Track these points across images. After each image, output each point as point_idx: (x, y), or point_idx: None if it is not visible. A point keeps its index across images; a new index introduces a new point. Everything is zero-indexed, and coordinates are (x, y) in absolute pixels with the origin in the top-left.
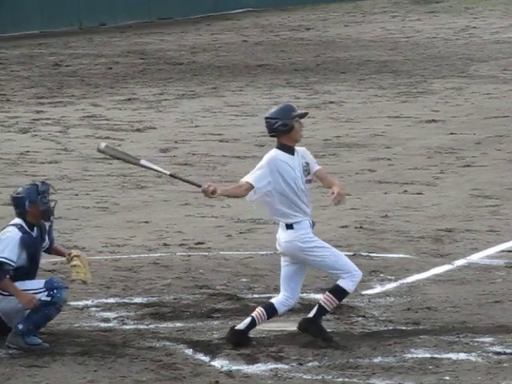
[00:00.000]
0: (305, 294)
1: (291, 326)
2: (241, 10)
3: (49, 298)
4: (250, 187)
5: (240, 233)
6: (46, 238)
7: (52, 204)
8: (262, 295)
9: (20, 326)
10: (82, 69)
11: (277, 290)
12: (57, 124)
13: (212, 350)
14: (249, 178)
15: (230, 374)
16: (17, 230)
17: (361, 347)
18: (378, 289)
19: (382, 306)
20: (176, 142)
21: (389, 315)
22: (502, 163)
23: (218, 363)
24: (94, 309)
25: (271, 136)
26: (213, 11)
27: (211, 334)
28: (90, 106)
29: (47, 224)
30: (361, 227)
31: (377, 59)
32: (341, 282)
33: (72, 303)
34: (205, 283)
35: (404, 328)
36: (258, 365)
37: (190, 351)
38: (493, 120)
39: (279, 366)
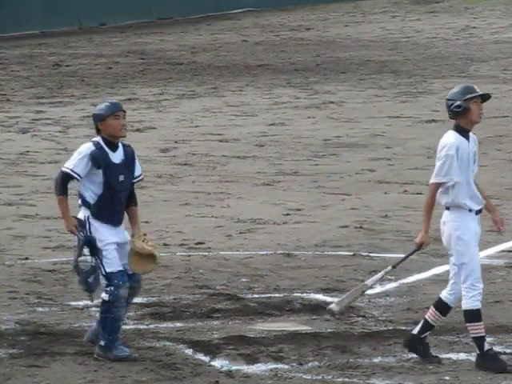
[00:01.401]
0: (305, 294)
1: (291, 326)
2: (241, 10)
3: (106, 296)
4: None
5: (240, 233)
6: (135, 167)
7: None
8: (262, 295)
9: (102, 343)
10: (82, 69)
11: (277, 290)
12: (57, 124)
13: (212, 350)
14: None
15: (230, 373)
16: (90, 144)
17: (361, 347)
18: (378, 289)
19: (382, 306)
20: (176, 142)
21: (389, 315)
22: (502, 163)
23: (218, 363)
24: (94, 309)
25: (451, 118)
26: (213, 11)
27: (211, 334)
28: (90, 106)
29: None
30: (361, 227)
31: (377, 59)
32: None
33: (72, 303)
34: (205, 283)
35: (404, 328)
36: (258, 365)
37: (189, 351)
38: (493, 120)
39: (279, 365)
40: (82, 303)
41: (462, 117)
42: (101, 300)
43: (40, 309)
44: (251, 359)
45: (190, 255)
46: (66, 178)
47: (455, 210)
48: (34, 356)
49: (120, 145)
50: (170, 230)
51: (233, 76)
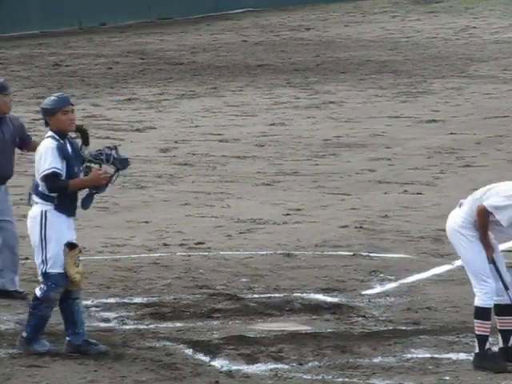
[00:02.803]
0: (305, 294)
1: (291, 326)
2: (241, 10)
3: (39, 294)
4: None
5: (240, 233)
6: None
7: None
8: (262, 295)
9: (24, 334)
10: (82, 69)
11: (277, 290)
12: None
13: (212, 349)
14: None
15: (230, 373)
16: (49, 139)
17: (361, 347)
18: (378, 289)
19: (382, 305)
20: (176, 142)
21: (389, 315)
22: (502, 163)
23: (218, 363)
24: (93, 309)
25: None
26: (213, 11)
27: (211, 334)
28: (90, 106)
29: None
30: (361, 227)
31: (377, 59)
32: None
33: None
34: (205, 283)
35: (404, 328)
36: (258, 365)
37: (189, 351)
38: (493, 120)
39: (279, 365)
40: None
41: None
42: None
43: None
44: (251, 359)
45: (189, 255)
46: (55, 178)
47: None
48: (33, 356)
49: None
50: (170, 230)
51: (233, 76)
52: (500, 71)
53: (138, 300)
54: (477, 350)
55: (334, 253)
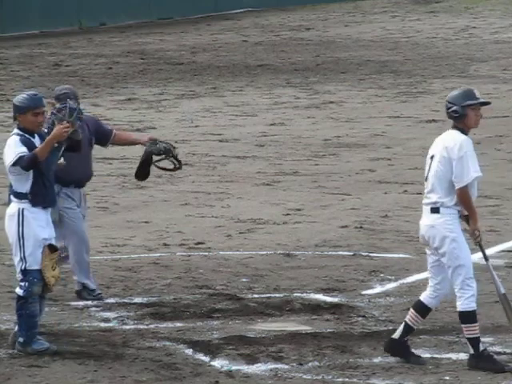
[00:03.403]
0: (305, 294)
1: (291, 326)
2: (241, 10)
3: (21, 292)
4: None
5: (240, 233)
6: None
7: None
8: (262, 295)
9: (21, 340)
10: (82, 69)
11: (277, 290)
12: None
13: (212, 350)
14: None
15: (230, 373)
16: (14, 136)
17: (361, 347)
18: (378, 289)
19: (382, 305)
20: (176, 142)
21: (389, 315)
22: (502, 163)
23: (218, 363)
24: (93, 309)
25: (449, 118)
26: (213, 11)
27: (211, 334)
28: (90, 105)
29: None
30: (361, 227)
31: (377, 59)
32: (459, 307)
33: (72, 303)
34: (205, 283)
35: None
36: (258, 365)
37: (189, 351)
38: (493, 120)
39: (279, 366)
40: (81, 303)
41: (458, 121)
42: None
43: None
44: (251, 359)
45: (190, 255)
46: (21, 158)
47: (447, 211)
48: (34, 356)
49: None
50: (170, 230)
51: (233, 76)
52: (500, 71)
53: (138, 300)
54: (471, 352)
55: (334, 253)
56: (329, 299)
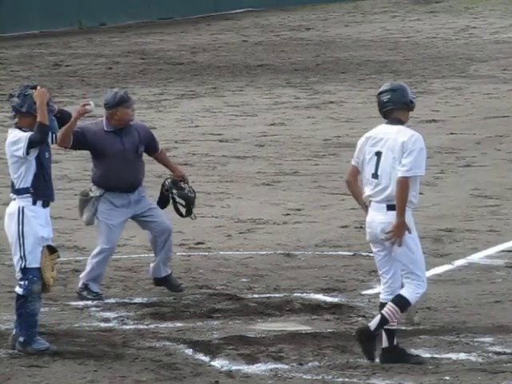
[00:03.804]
0: (305, 294)
1: (291, 326)
2: (241, 10)
3: (20, 291)
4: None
5: (240, 233)
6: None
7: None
8: (262, 295)
9: (21, 339)
10: (82, 69)
11: (277, 290)
12: None
13: (212, 350)
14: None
15: (230, 373)
16: (17, 131)
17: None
18: (378, 289)
19: None
20: (176, 142)
21: None
22: (502, 163)
23: (218, 363)
24: (93, 309)
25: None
26: (213, 11)
27: (211, 334)
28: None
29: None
30: (361, 227)
31: (377, 59)
32: (404, 292)
33: (72, 303)
34: (205, 283)
35: (404, 328)
36: (258, 365)
37: (189, 351)
38: (493, 120)
39: (279, 366)
40: (81, 303)
41: (403, 113)
42: (15, 295)
43: (40, 309)
44: (251, 359)
45: (190, 255)
46: (31, 137)
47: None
48: (33, 356)
49: None
50: None
51: (233, 76)
52: (500, 71)
53: (138, 300)
54: (385, 345)
55: (334, 253)
56: (329, 299)
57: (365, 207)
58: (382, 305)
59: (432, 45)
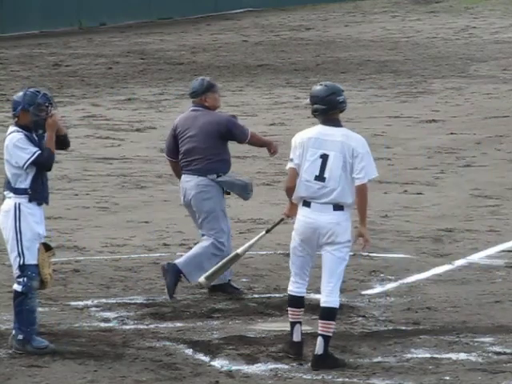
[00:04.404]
0: (305, 294)
1: None
2: (241, 10)
3: (19, 288)
4: None
5: (240, 233)
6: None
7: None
8: (262, 295)
9: (20, 337)
10: (82, 69)
11: (277, 290)
12: None
13: (212, 350)
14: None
15: (230, 373)
16: (15, 132)
17: (361, 347)
18: (378, 289)
19: (382, 305)
20: None
21: (389, 315)
22: (502, 163)
23: (218, 363)
24: (93, 309)
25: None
26: (213, 11)
27: (211, 334)
28: (90, 105)
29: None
30: None
31: (377, 59)
32: (331, 303)
33: (72, 303)
34: None
35: (404, 328)
36: (258, 365)
37: (189, 351)
38: (493, 120)
39: (279, 366)
40: (81, 303)
41: (333, 113)
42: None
43: (40, 309)
44: (251, 359)
45: None
46: (40, 157)
47: (348, 208)
48: (34, 356)
49: None
50: (170, 230)
51: (233, 76)
52: (500, 71)
53: (138, 300)
54: (320, 352)
55: None
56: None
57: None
58: (297, 299)
59: (432, 45)
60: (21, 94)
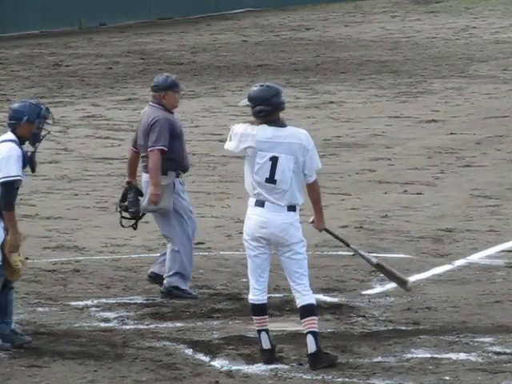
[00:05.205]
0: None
1: (291, 326)
2: (241, 10)
3: None
4: None
5: (240, 233)
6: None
7: (44, 133)
8: None
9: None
10: (82, 69)
11: (277, 290)
12: (57, 124)
13: (212, 350)
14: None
15: (230, 373)
16: (13, 145)
17: (361, 347)
18: (378, 289)
19: (382, 305)
20: None
21: (389, 315)
22: (502, 163)
23: (218, 363)
24: (93, 309)
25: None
26: (213, 11)
27: (211, 334)
28: (90, 105)
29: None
30: (361, 227)
31: (377, 59)
32: (309, 300)
33: (72, 303)
34: (205, 283)
35: (404, 328)
36: (258, 365)
37: (189, 351)
38: (493, 120)
39: (279, 366)
40: (81, 303)
41: (276, 114)
42: None
43: (40, 309)
44: (251, 359)
45: None
46: (14, 187)
47: (298, 208)
48: (33, 356)
49: None
50: None
51: (233, 76)
52: (500, 71)
53: (138, 300)
54: (314, 350)
55: (334, 253)
56: (329, 299)
57: None
58: (259, 307)
59: (432, 45)
60: (21, 104)
